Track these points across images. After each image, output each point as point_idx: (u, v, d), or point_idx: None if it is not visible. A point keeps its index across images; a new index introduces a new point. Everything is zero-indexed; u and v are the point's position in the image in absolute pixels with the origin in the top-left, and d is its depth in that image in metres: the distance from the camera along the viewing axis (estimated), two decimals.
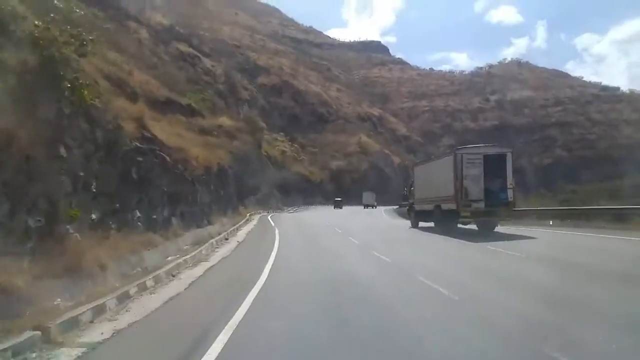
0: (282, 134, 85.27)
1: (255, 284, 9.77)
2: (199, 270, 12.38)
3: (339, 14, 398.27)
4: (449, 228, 21.41)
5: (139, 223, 14.05)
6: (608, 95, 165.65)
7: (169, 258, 13.12)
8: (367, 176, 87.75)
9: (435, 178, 23.63)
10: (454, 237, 19.19)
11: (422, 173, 27.16)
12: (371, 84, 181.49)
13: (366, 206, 68.90)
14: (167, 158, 17.92)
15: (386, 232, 25.68)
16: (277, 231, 26.09)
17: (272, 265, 12.79)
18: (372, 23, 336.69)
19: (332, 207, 66.14)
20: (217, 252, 16.58)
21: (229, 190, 37.78)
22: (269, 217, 40.48)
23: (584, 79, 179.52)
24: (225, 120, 54.16)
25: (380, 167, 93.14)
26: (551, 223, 25.20)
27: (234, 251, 17.46)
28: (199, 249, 15.32)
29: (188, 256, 13.56)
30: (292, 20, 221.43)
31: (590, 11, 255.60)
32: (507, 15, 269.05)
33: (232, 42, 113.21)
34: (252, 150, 54.78)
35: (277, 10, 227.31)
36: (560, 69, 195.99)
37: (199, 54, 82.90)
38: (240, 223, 29.82)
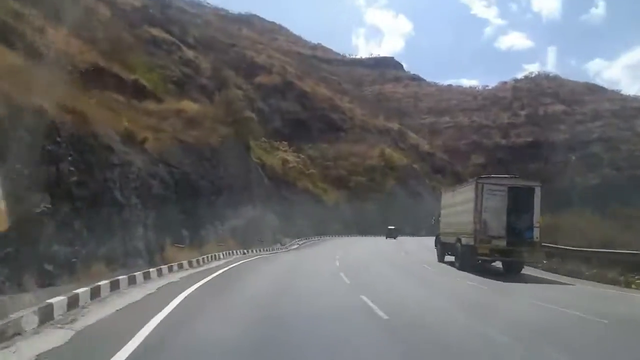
0: (284, 142, 63.82)
1: None
2: None
3: (349, 40, 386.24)
4: (468, 265, 18.99)
5: None
6: None
7: None
8: (395, 196, 65.67)
9: (457, 208, 21.37)
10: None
11: (448, 201, 24.14)
12: (385, 99, 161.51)
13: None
14: None
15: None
16: None
17: None
18: (382, 50, 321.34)
19: (385, 237, 55.46)
20: None
21: (161, 208, 16.52)
22: (236, 267, 18.99)
23: (622, 92, 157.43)
24: (188, 105, 34.11)
25: (411, 186, 71.06)
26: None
27: None
28: None
29: None
30: (299, 37, 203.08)
31: (600, 37, 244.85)
32: (516, 41, 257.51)
33: (226, 40, 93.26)
34: (231, 151, 33.34)
35: (283, 29, 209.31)
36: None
37: (179, 43, 62.83)
38: None
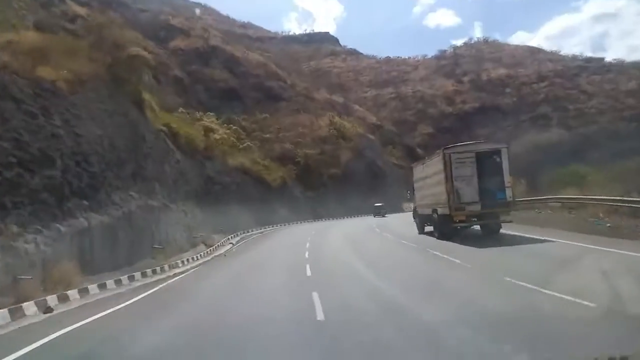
0: (210, 114, 49.22)
1: None
2: None
3: (281, 25, 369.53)
4: (447, 233, 19.02)
5: None
6: (594, 66, 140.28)
7: None
8: (354, 170, 52.84)
9: (429, 180, 21.45)
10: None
11: (419, 174, 24.07)
12: (324, 74, 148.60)
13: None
14: None
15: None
16: None
17: None
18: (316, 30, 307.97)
19: (373, 215, 49.59)
20: None
21: None
22: None
23: (560, 53, 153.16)
24: (27, 36, 18.95)
25: (369, 157, 58.45)
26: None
27: None
28: None
29: None
30: (227, 17, 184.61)
31: (522, 10, 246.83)
32: (445, 18, 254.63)
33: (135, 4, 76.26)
34: (101, 105, 18.73)
35: (209, 8, 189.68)
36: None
37: None
38: None
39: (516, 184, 21.97)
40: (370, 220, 40.05)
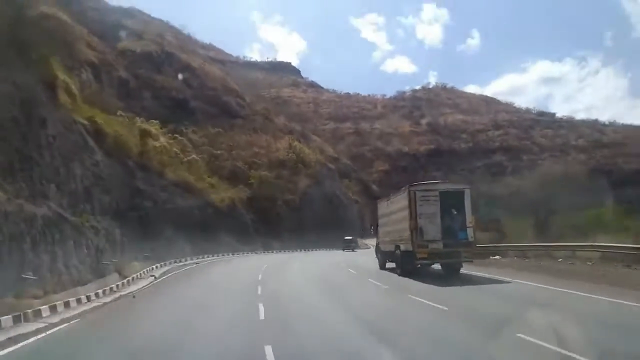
0: (154, 121, 42.56)
1: None
2: None
3: (243, 53, 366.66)
4: (409, 270, 18.47)
5: None
6: (547, 120, 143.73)
7: None
8: (312, 199, 47.18)
9: (393, 216, 21.11)
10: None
11: (384, 210, 23.24)
12: (284, 103, 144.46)
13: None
14: None
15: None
16: None
17: None
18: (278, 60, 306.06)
19: (342, 249, 46.06)
20: None
21: None
22: None
23: (515, 105, 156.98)
24: None
25: (329, 188, 52.99)
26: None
27: None
28: None
29: None
30: (188, 36, 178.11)
31: (474, 65, 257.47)
32: (402, 65, 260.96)
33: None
34: None
35: (173, 27, 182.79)
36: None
37: None
38: None
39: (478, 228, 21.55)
40: (336, 257, 33.98)
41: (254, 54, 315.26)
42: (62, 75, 21.39)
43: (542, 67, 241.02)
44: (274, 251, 42.50)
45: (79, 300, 13.10)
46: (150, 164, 29.62)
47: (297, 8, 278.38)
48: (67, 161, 18.51)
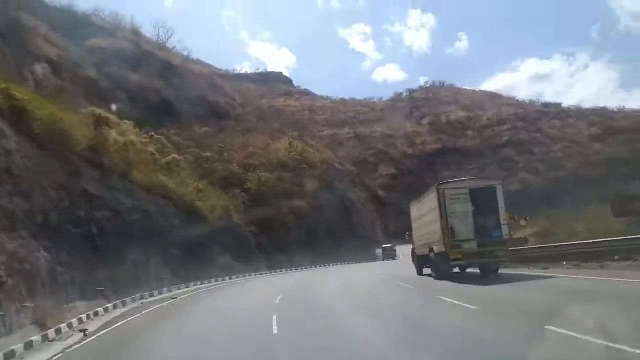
0: (128, 122, 34.46)
1: None
2: None
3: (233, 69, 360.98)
4: (443, 274, 17.88)
5: None
6: (554, 111, 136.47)
7: None
8: (322, 204, 39.06)
9: (424, 219, 20.52)
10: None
11: (416, 213, 22.73)
12: (278, 112, 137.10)
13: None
14: None
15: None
16: None
17: None
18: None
19: (382, 259, 42.33)
20: None
21: None
22: None
23: (517, 99, 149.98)
24: None
25: (340, 190, 44.86)
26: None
27: None
28: None
29: None
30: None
31: (464, 68, 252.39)
32: (392, 73, 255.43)
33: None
34: None
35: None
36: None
37: None
38: None
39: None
40: (373, 269, 25.71)
41: (244, 69, 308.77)
42: None
43: (532, 65, 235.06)
44: (282, 270, 34.17)
45: None
46: (109, 163, 21.34)
47: (285, 24, 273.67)
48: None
